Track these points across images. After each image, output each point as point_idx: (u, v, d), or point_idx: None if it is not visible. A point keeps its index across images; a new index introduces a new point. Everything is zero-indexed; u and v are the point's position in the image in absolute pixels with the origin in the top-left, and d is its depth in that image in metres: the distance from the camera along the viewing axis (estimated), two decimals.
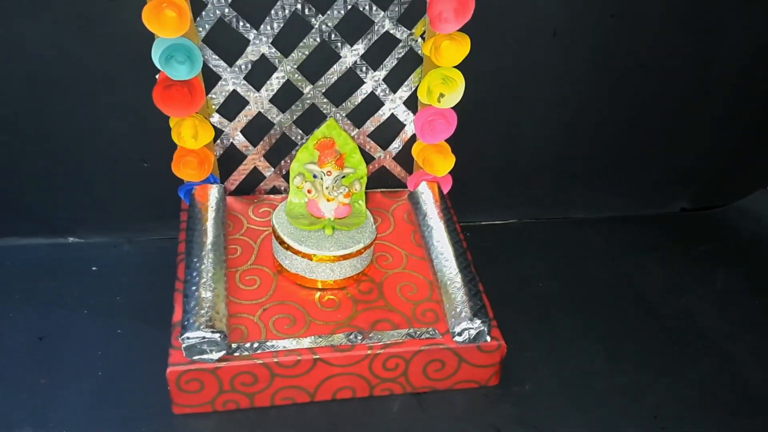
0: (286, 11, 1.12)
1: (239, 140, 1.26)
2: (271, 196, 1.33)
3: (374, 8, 1.15)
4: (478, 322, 1.06)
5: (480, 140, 1.36)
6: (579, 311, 1.29)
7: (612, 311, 1.29)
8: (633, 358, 1.21)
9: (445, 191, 1.33)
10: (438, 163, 1.29)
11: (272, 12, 1.12)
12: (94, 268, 1.30)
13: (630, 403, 1.13)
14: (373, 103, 1.26)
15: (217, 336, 0.99)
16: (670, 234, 1.49)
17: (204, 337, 0.99)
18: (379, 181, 1.36)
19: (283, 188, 1.34)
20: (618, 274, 1.38)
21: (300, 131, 1.27)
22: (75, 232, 1.34)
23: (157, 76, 1.12)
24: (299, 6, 1.12)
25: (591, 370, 1.18)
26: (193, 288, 1.05)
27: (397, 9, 1.15)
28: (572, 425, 1.09)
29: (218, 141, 1.25)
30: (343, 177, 1.13)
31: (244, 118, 1.23)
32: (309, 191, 1.13)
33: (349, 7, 1.14)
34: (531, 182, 1.45)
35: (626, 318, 1.28)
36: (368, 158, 1.32)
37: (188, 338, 0.99)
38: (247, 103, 1.22)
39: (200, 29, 1.12)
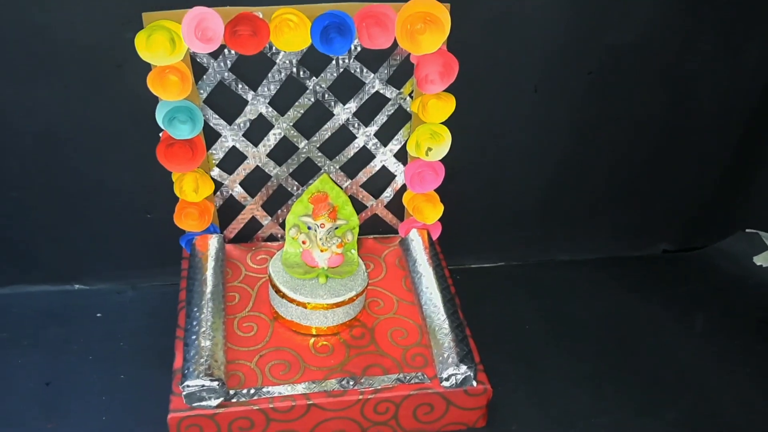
0: (282, 74, 1.19)
1: (238, 191, 1.32)
2: (269, 243, 1.39)
3: (365, 70, 1.21)
4: (464, 367, 1.11)
5: (467, 188, 1.42)
6: (564, 352, 1.34)
7: (595, 351, 1.34)
8: (614, 397, 1.25)
9: (435, 237, 1.39)
10: (427, 211, 1.35)
11: (269, 75, 1.19)
12: (98, 315, 1.36)
13: None
14: (365, 155, 1.32)
15: (215, 384, 1.04)
16: (652, 275, 1.54)
17: (203, 385, 1.04)
18: (372, 227, 1.42)
19: (279, 235, 1.40)
20: (601, 315, 1.43)
21: (296, 182, 1.33)
22: (81, 280, 1.40)
23: (160, 135, 1.19)
24: (294, 69, 1.19)
25: (574, 410, 1.23)
26: (193, 337, 1.11)
27: (386, 71, 1.22)
28: None
29: (218, 192, 1.31)
30: (336, 228, 1.19)
31: (242, 171, 1.30)
32: (304, 242, 1.19)
33: (341, 69, 1.21)
34: (517, 227, 1.50)
35: (608, 358, 1.33)
36: (361, 206, 1.38)
37: (188, 386, 1.04)
38: (245, 157, 1.28)
39: (201, 91, 1.19)
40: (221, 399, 1.06)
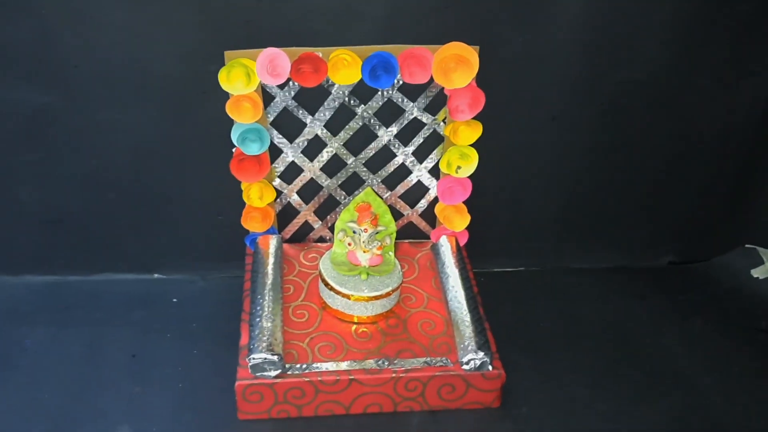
0: (336, 102, 1.41)
1: (295, 199, 1.54)
2: (319, 244, 1.61)
3: (405, 100, 1.42)
4: (481, 354, 1.31)
5: (493, 202, 1.60)
6: (571, 349, 1.51)
7: (599, 349, 1.51)
8: (613, 388, 1.42)
9: (462, 244, 1.58)
10: (456, 220, 1.55)
11: (325, 103, 1.40)
12: (174, 300, 1.58)
13: (608, 426, 1.35)
14: (403, 171, 1.52)
15: (275, 357, 1.26)
16: (657, 284, 1.70)
17: (265, 358, 1.26)
18: (408, 233, 1.61)
19: (328, 237, 1.61)
20: (607, 318, 1.59)
21: (344, 192, 1.54)
22: (160, 270, 1.62)
23: (233, 151, 1.42)
24: (346, 99, 1.41)
25: (577, 398, 1.40)
26: (257, 319, 1.33)
27: (423, 101, 1.42)
28: None
29: (278, 200, 1.53)
30: (377, 233, 1.40)
31: (299, 182, 1.51)
32: (349, 244, 1.40)
33: (386, 99, 1.42)
34: (536, 237, 1.68)
35: (611, 355, 1.50)
36: (399, 214, 1.58)
37: (253, 358, 1.26)
38: (302, 170, 1.49)
39: (269, 115, 1.41)
40: (279, 371, 1.28)
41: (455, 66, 1.32)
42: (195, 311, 1.55)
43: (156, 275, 1.64)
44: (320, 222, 1.59)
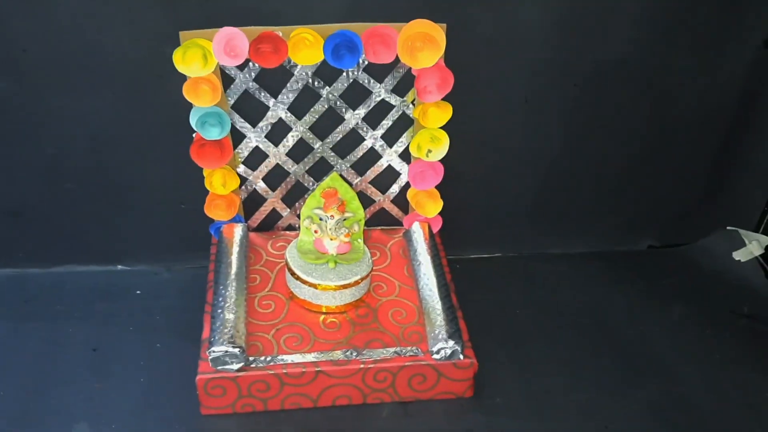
0: (299, 84, 1.36)
1: (261, 186, 1.49)
2: (287, 232, 1.56)
3: (372, 81, 1.37)
4: (452, 342, 1.27)
5: (467, 187, 1.56)
6: (547, 336, 1.47)
7: (576, 337, 1.47)
8: (590, 378, 1.38)
9: (435, 230, 1.54)
10: (428, 206, 1.51)
11: (288, 85, 1.36)
12: (138, 292, 1.53)
13: (585, 417, 1.31)
14: (373, 156, 1.47)
15: (237, 350, 1.22)
16: (636, 269, 1.66)
17: (227, 351, 1.21)
18: (379, 220, 1.57)
19: (296, 225, 1.56)
20: (585, 305, 1.56)
21: (311, 179, 1.49)
22: (123, 261, 1.57)
23: (193, 136, 1.36)
24: (310, 80, 1.36)
25: (553, 388, 1.36)
26: (219, 311, 1.29)
27: (391, 82, 1.38)
28: None
29: (243, 187, 1.48)
30: (345, 220, 1.35)
31: (264, 168, 1.46)
32: (316, 231, 1.36)
33: (351, 80, 1.37)
34: (512, 223, 1.64)
35: (588, 343, 1.46)
36: (369, 201, 1.54)
37: (214, 351, 1.22)
38: (267, 156, 1.45)
39: (229, 98, 1.36)
40: (241, 364, 1.23)
41: (421, 45, 1.27)
42: (158, 303, 1.51)
43: (119, 267, 1.59)
44: (288, 210, 1.54)
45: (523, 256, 1.69)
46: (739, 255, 1.69)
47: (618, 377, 1.40)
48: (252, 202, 1.51)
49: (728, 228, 1.72)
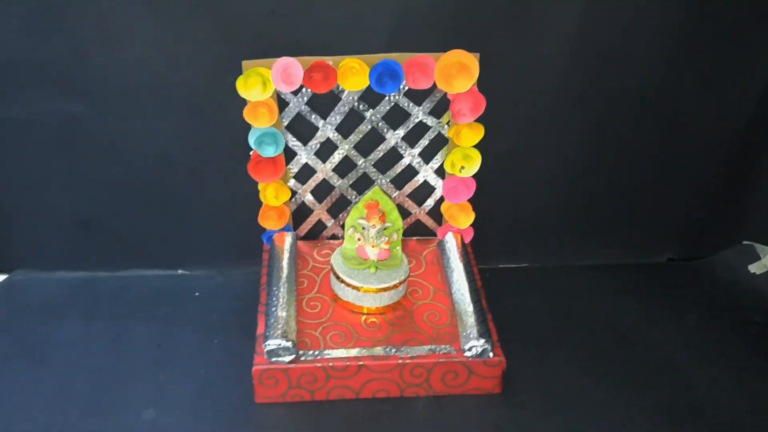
0: (346, 107, 1.51)
1: (308, 199, 1.64)
2: (331, 241, 1.70)
3: (411, 104, 1.51)
4: (483, 341, 1.39)
5: (496, 202, 1.68)
6: (570, 342, 1.57)
7: (596, 342, 1.57)
8: (608, 379, 1.48)
9: (467, 241, 1.67)
10: (461, 218, 1.63)
11: (336, 108, 1.50)
12: (197, 294, 1.68)
13: (603, 412, 1.41)
14: (410, 172, 1.61)
15: (289, 344, 1.36)
16: (656, 281, 1.76)
17: (280, 344, 1.35)
18: (415, 231, 1.70)
19: (340, 235, 1.70)
20: (605, 313, 1.65)
21: (354, 192, 1.63)
22: (183, 266, 1.73)
23: (250, 154, 1.52)
24: (356, 104, 1.51)
25: (574, 387, 1.46)
26: (273, 309, 1.43)
27: (428, 105, 1.52)
28: (555, 427, 1.38)
29: (293, 199, 1.63)
30: (385, 229, 1.49)
31: (312, 182, 1.61)
32: (359, 239, 1.49)
33: (393, 104, 1.51)
34: (538, 235, 1.76)
35: (607, 348, 1.56)
36: (406, 213, 1.67)
37: (269, 345, 1.36)
38: (315, 171, 1.59)
39: (284, 120, 1.51)
40: (293, 356, 1.37)
41: (456, 72, 1.41)
42: (215, 305, 1.65)
43: (180, 271, 1.74)
44: (333, 220, 1.68)
45: (547, 267, 1.80)
46: (755, 268, 1.78)
47: (634, 379, 1.49)
48: (300, 213, 1.66)
49: (745, 242, 1.81)
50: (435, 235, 1.72)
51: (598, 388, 1.47)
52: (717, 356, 1.56)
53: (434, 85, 1.45)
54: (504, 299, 1.66)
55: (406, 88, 1.49)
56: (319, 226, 1.69)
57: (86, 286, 1.70)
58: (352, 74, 1.41)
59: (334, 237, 1.71)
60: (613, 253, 1.81)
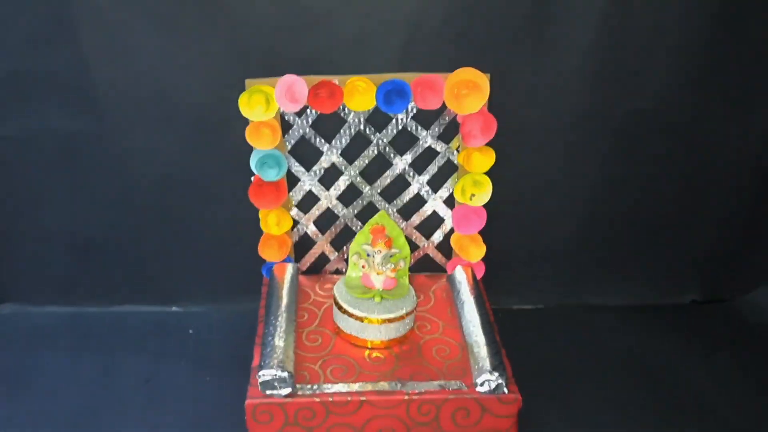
0: (352, 130, 1.46)
1: (311, 230, 1.57)
2: (334, 276, 1.62)
3: (419, 128, 1.47)
4: (496, 374, 1.28)
5: (508, 237, 1.60)
6: (592, 381, 1.47)
7: (621, 381, 1.47)
8: (638, 418, 1.38)
9: (479, 276, 1.58)
10: (472, 250, 1.56)
11: (341, 130, 1.46)
12: (190, 331, 1.60)
13: None
14: (418, 201, 1.54)
15: (285, 375, 1.25)
16: (680, 321, 1.66)
17: (276, 375, 1.25)
18: (423, 266, 1.62)
19: (343, 270, 1.62)
20: (629, 352, 1.56)
21: (359, 222, 1.56)
22: (178, 302, 1.65)
23: (252, 178, 1.46)
24: (362, 127, 1.46)
25: (600, 428, 1.36)
26: (270, 338, 1.33)
27: (437, 129, 1.47)
28: None
29: (295, 229, 1.56)
30: (391, 256, 1.41)
31: (316, 211, 1.54)
32: (363, 266, 1.41)
33: (400, 127, 1.47)
34: (553, 273, 1.67)
35: (634, 387, 1.46)
36: (414, 246, 1.59)
37: (263, 375, 1.25)
38: (319, 200, 1.54)
39: (287, 143, 1.46)
40: (289, 389, 1.26)
41: (467, 91, 1.36)
42: (210, 341, 1.57)
43: (173, 308, 1.66)
44: (336, 253, 1.60)
45: (565, 307, 1.71)
46: None
47: (664, 419, 1.39)
48: (302, 246, 1.58)
49: None
50: (444, 270, 1.63)
51: (626, 428, 1.37)
52: (752, 396, 1.45)
53: (443, 108, 1.40)
54: (518, 339, 1.53)
55: (414, 110, 1.44)
56: (322, 260, 1.61)
57: (76, 320, 1.62)
58: (359, 93, 1.37)
59: (337, 272, 1.63)
60: (633, 293, 1.72)
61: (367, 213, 1.55)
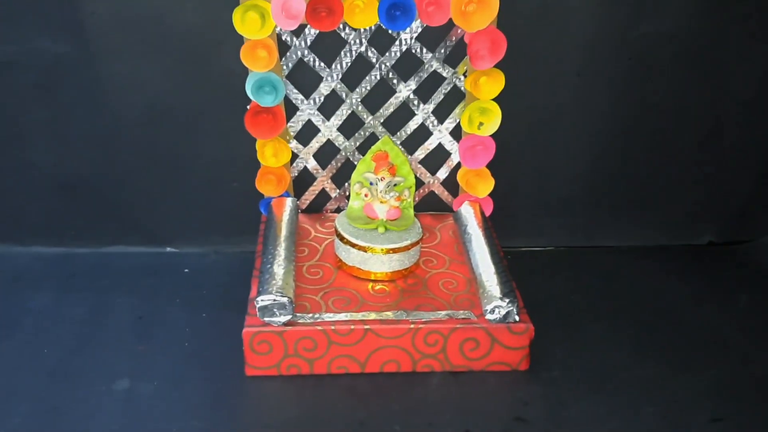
0: (353, 52, 1.39)
1: (311, 164, 1.49)
2: (335, 214, 1.54)
3: (424, 50, 1.39)
4: (507, 300, 1.21)
5: (517, 173, 1.54)
6: (606, 318, 1.40)
7: (637, 319, 1.40)
8: (655, 355, 1.31)
9: (487, 213, 1.51)
10: (479, 185, 1.48)
11: (341, 53, 1.38)
12: (186, 270, 1.52)
13: (651, 390, 1.23)
14: (423, 133, 1.47)
15: (285, 300, 1.18)
16: (697, 263, 1.59)
17: (275, 300, 1.18)
18: (429, 205, 1.55)
19: (345, 208, 1.55)
20: (644, 291, 1.49)
21: (361, 156, 1.49)
22: (172, 243, 1.57)
23: (248, 106, 1.39)
24: (363, 49, 1.39)
25: (615, 364, 1.29)
26: (268, 266, 1.26)
27: (443, 51, 1.39)
28: (594, 405, 1.19)
29: (294, 164, 1.49)
30: (395, 185, 1.34)
31: (315, 144, 1.47)
32: (366, 195, 1.34)
33: (404, 49, 1.39)
34: (564, 212, 1.60)
35: (651, 325, 1.39)
36: (419, 183, 1.52)
37: (261, 300, 1.18)
38: (318, 131, 1.46)
39: (284, 67, 1.38)
40: (289, 317, 1.19)
41: (474, 6, 1.29)
42: (206, 280, 1.50)
43: (168, 249, 1.59)
44: (337, 191, 1.53)
45: (575, 249, 1.63)
46: None
47: (683, 356, 1.31)
48: (302, 183, 1.51)
49: None
50: (451, 210, 1.56)
51: (643, 365, 1.29)
52: None
53: (450, 27, 1.32)
54: (527, 281, 1.46)
55: (419, 29, 1.37)
56: (323, 198, 1.54)
57: (64, 260, 1.55)
58: (360, 9, 1.29)
59: (338, 210, 1.56)
60: (648, 235, 1.64)
61: (369, 145, 1.47)
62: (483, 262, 1.32)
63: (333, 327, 1.20)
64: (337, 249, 1.36)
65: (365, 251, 1.30)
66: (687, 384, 1.25)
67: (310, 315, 1.22)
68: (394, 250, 1.31)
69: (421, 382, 1.24)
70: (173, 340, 1.32)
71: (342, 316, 1.22)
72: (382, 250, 1.30)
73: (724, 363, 1.31)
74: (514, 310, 1.21)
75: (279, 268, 1.25)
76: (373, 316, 1.23)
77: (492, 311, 1.21)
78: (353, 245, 1.31)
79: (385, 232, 1.32)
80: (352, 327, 1.20)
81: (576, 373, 1.27)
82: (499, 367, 1.25)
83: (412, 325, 1.21)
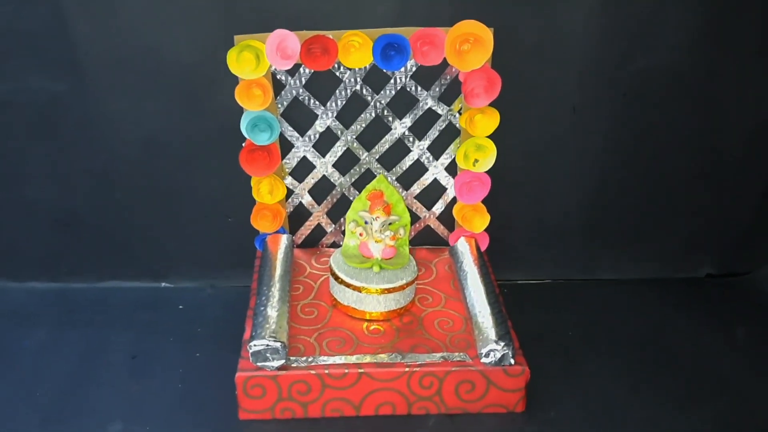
0: (348, 91, 1.38)
1: (307, 200, 1.49)
2: (331, 249, 1.54)
3: (419, 88, 1.39)
4: (502, 344, 1.20)
5: (514, 205, 1.53)
6: (604, 355, 1.39)
7: (635, 355, 1.39)
8: (654, 394, 1.30)
9: (483, 248, 1.50)
10: (475, 220, 1.47)
11: (336, 92, 1.38)
12: (180, 307, 1.52)
13: (650, 430, 1.22)
14: (418, 168, 1.47)
15: (278, 345, 1.18)
16: (694, 296, 1.58)
17: (268, 345, 1.17)
18: (424, 239, 1.55)
19: (340, 243, 1.54)
20: (643, 326, 1.48)
21: (357, 192, 1.48)
22: (167, 278, 1.57)
23: (243, 144, 1.38)
24: (358, 87, 1.38)
25: (613, 403, 1.28)
26: (261, 308, 1.25)
27: (438, 89, 1.39)
28: None
29: (289, 200, 1.48)
30: (390, 224, 1.33)
31: (311, 180, 1.46)
32: (361, 234, 1.33)
33: (399, 87, 1.39)
34: (562, 245, 1.59)
35: (648, 361, 1.38)
36: (415, 217, 1.52)
37: (255, 345, 1.17)
38: (314, 167, 1.46)
39: (279, 105, 1.38)
40: (282, 361, 1.18)
41: (469, 46, 1.29)
42: (201, 317, 1.50)
43: (163, 284, 1.58)
44: (333, 226, 1.52)
45: (573, 282, 1.63)
46: None
47: (682, 393, 1.31)
48: (298, 217, 1.51)
49: None
50: (446, 244, 1.55)
51: (644, 406, 1.28)
52: None
53: (444, 66, 1.32)
54: (525, 315, 1.47)
55: (414, 68, 1.37)
56: (318, 232, 1.54)
57: (60, 296, 1.54)
58: (355, 49, 1.29)
59: (334, 245, 1.55)
60: (646, 267, 1.64)
61: (364, 181, 1.46)
62: (479, 301, 1.31)
63: (327, 371, 1.19)
64: (332, 288, 1.35)
65: (360, 291, 1.30)
66: (687, 422, 1.25)
67: (304, 358, 1.21)
68: (389, 290, 1.30)
69: (416, 425, 1.23)
70: (167, 380, 1.31)
71: (336, 359, 1.21)
72: (377, 290, 1.29)
73: (724, 398, 1.30)
74: (510, 353, 1.21)
75: (273, 310, 1.25)
76: (367, 358, 1.22)
77: (487, 355, 1.21)
78: (348, 285, 1.30)
79: (380, 271, 1.32)
80: (347, 371, 1.19)
81: (573, 412, 1.26)
82: (495, 409, 1.24)
83: (407, 368, 1.20)
